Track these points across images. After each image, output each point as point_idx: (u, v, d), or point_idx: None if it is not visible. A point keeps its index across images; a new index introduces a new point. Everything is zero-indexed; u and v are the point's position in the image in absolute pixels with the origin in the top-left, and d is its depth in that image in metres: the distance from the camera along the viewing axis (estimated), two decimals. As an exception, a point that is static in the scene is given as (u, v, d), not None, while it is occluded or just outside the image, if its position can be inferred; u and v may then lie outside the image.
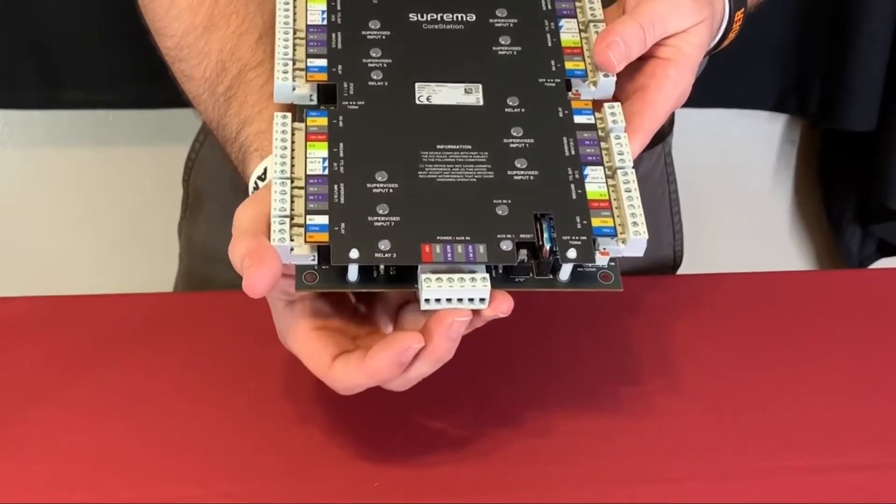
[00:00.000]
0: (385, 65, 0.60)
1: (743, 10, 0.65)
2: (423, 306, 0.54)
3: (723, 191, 1.44)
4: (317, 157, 0.57)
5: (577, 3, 0.64)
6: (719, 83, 1.23)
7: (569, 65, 0.61)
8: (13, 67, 1.22)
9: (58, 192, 1.39)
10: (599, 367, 0.69)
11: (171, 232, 1.01)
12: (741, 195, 1.48)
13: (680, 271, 0.95)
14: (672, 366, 0.70)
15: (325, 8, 0.62)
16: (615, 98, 0.61)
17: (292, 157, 0.57)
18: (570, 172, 0.57)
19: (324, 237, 0.54)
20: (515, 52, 0.61)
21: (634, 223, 0.55)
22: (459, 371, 0.67)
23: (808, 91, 1.32)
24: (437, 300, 0.54)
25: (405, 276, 0.55)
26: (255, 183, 0.63)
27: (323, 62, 0.60)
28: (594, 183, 0.57)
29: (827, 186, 1.44)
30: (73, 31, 1.19)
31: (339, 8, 0.62)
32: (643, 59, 0.60)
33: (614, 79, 0.60)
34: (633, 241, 0.55)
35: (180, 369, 0.68)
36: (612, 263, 0.57)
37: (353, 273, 0.55)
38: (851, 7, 1.23)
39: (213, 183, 0.91)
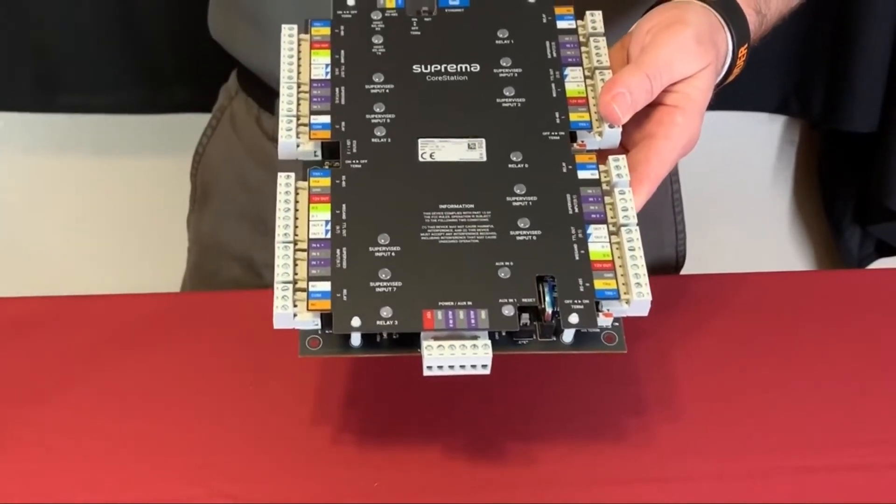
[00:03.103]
0: (388, 120, 0.60)
1: (746, 45, 0.64)
2: (426, 372, 0.54)
3: (723, 191, 1.44)
4: (319, 220, 0.56)
5: (583, 49, 0.63)
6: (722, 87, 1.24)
7: (574, 116, 0.60)
8: (12, 70, 1.23)
9: (57, 195, 1.39)
10: (599, 366, 0.69)
11: (168, 233, 1.01)
12: (741, 196, 1.47)
13: (681, 271, 0.95)
14: (673, 365, 0.70)
15: (328, 61, 0.62)
16: (622, 145, 0.61)
17: (296, 219, 0.56)
18: (573, 232, 0.57)
19: (326, 304, 0.54)
20: (519, 104, 0.61)
21: (638, 283, 0.55)
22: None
23: (810, 93, 1.32)
24: (440, 367, 0.54)
25: (409, 341, 0.55)
26: None
27: (326, 119, 0.59)
28: (597, 242, 0.56)
29: (827, 187, 1.44)
30: (71, 34, 1.19)
31: (342, 61, 0.62)
32: (650, 106, 0.60)
33: (620, 129, 0.59)
34: (637, 303, 0.55)
35: (181, 369, 0.69)
36: (616, 324, 0.57)
37: (356, 339, 0.55)
38: (853, 9, 1.23)
39: (219, 177, 0.91)
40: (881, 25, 1.24)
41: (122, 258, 1.42)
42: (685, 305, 0.74)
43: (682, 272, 0.94)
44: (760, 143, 1.44)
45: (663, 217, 0.92)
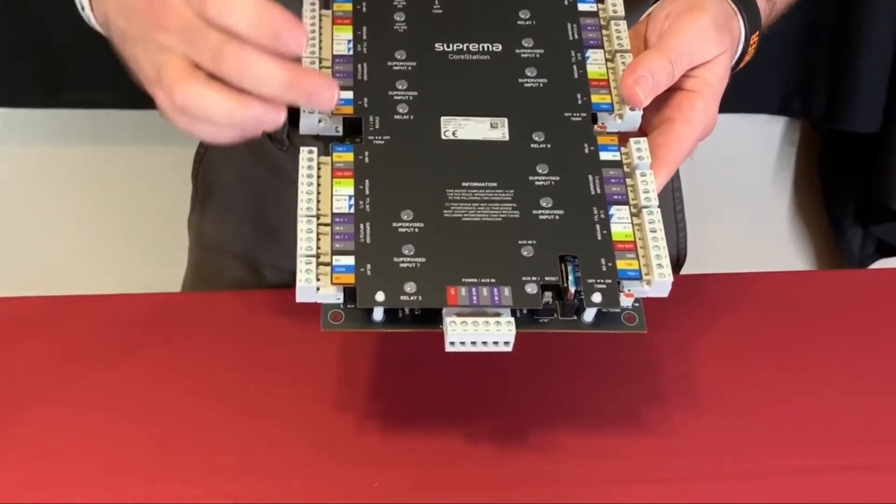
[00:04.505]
0: (411, 97, 0.60)
1: (758, 32, 0.65)
2: (448, 348, 0.54)
3: (723, 191, 1.44)
4: (343, 195, 0.56)
5: (604, 32, 0.63)
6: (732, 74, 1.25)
7: (595, 98, 0.61)
8: (14, 67, 1.22)
9: (58, 191, 1.39)
10: (599, 366, 0.69)
11: (170, 231, 1.01)
12: (742, 195, 1.48)
13: (682, 270, 0.95)
14: (672, 365, 0.70)
15: (351, 37, 0.62)
16: (641, 129, 0.61)
17: (318, 194, 0.56)
18: (595, 212, 0.57)
19: (350, 279, 0.54)
20: (542, 84, 0.61)
21: (659, 265, 0.55)
22: (459, 371, 0.67)
23: (812, 94, 1.33)
24: (462, 343, 0.54)
25: (431, 317, 0.55)
26: None
27: (349, 94, 0.59)
28: (619, 223, 0.57)
29: (827, 187, 1.44)
30: (73, 30, 1.19)
31: (364, 37, 0.62)
32: (669, 91, 0.60)
33: (641, 112, 0.60)
34: (658, 283, 0.55)
35: (180, 369, 0.68)
36: (637, 304, 0.57)
37: (378, 314, 0.55)
38: (855, 9, 1.23)
39: (221, 177, 0.91)
40: (883, 26, 1.24)
41: (123, 257, 1.42)
42: (684, 305, 0.74)
43: (683, 272, 0.94)
44: (761, 143, 1.44)
45: (664, 215, 0.92)
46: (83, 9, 0.64)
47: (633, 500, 0.62)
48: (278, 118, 0.54)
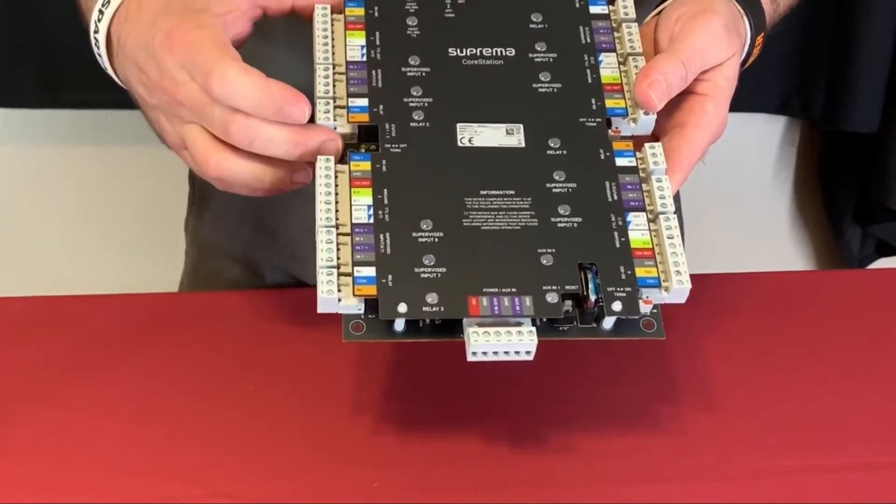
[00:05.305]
0: (426, 104, 0.59)
1: (762, 34, 0.65)
2: (471, 358, 0.54)
3: (723, 191, 1.44)
4: (362, 205, 0.56)
5: (616, 35, 0.63)
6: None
7: (609, 103, 0.60)
8: (13, 67, 1.22)
9: (58, 191, 1.39)
10: (598, 366, 0.69)
11: (171, 231, 1.01)
12: (741, 195, 1.48)
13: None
14: (672, 365, 0.70)
15: (364, 43, 0.61)
16: (652, 134, 0.61)
17: (336, 203, 0.56)
18: (612, 219, 0.57)
19: (372, 290, 0.54)
20: (556, 90, 0.61)
21: (677, 271, 0.55)
22: (459, 371, 0.67)
23: (811, 94, 1.33)
24: (485, 353, 0.54)
25: (450, 327, 0.55)
26: (100, 10, 0.64)
27: (364, 102, 0.59)
28: (637, 230, 0.57)
29: (827, 187, 1.44)
30: (73, 30, 1.19)
31: (378, 43, 0.61)
32: (680, 95, 0.60)
33: (654, 116, 0.59)
34: (676, 290, 0.55)
35: (180, 369, 0.68)
36: (655, 311, 0.57)
37: (399, 324, 0.55)
38: (854, 9, 1.24)
39: None
40: (882, 26, 1.24)
41: (122, 257, 1.42)
42: (683, 306, 0.74)
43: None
44: (760, 143, 1.44)
45: None
46: (100, 56, 0.66)
47: (634, 500, 0.62)
48: (306, 177, 0.58)
